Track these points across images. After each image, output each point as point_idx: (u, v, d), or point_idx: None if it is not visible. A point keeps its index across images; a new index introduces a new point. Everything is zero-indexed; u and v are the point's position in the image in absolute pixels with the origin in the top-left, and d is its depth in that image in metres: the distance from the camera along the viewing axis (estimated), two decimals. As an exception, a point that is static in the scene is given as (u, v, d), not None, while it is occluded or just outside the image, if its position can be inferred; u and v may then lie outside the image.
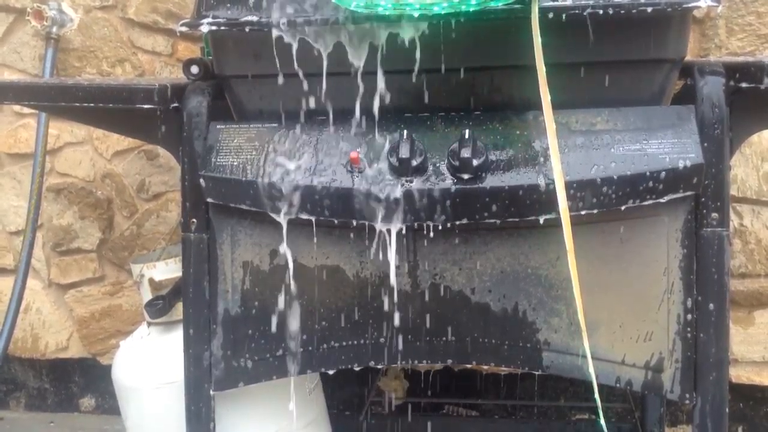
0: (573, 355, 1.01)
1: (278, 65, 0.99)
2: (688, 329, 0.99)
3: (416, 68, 0.96)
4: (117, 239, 1.91)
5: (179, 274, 1.15)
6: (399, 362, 1.06)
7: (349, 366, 1.08)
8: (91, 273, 1.94)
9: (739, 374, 1.71)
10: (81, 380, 2.03)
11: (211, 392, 1.10)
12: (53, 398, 2.05)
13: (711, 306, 0.97)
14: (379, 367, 1.10)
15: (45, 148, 1.77)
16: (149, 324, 1.43)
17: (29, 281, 1.81)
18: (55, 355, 2.00)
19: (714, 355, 0.98)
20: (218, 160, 1.04)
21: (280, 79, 1.00)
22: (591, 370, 0.93)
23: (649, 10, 0.90)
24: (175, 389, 1.20)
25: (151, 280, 1.43)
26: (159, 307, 1.36)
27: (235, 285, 1.09)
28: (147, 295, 1.44)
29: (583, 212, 0.92)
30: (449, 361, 1.07)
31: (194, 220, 1.08)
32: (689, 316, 0.99)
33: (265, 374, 1.09)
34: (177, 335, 1.18)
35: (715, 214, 0.96)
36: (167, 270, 1.43)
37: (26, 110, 1.86)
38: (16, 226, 1.93)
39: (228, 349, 1.09)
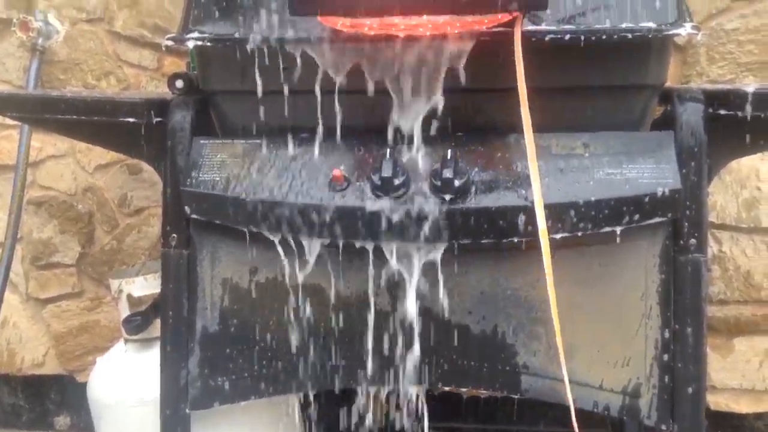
0: (551, 379, 1.01)
1: (263, 82, 0.99)
2: (666, 355, 0.99)
3: (400, 89, 0.96)
4: (97, 254, 1.90)
5: (158, 290, 1.14)
6: (378, 384, 1.05)
7: (328, 387, 1.07)
8: (70, 288, 1.92)
9: (717, 401, 1.71)
10: (56, 397, 2.00)
11: (187, 411, 1.09)
12: (28, 415, 2.01)
13: (688, 332, 0.98)
14: (357, 389, 1.09)
15: (27, 161, 1.76)
16: (126, 341, 1.42)
17: (7, 295, 1.79)
18: (31, 371, 1.97)
19: (691, 382, 0.98)
20: (201, 175, 1.03)
21: (265, 96, 1.00)
22: (569, 394, 0.93)
23: (630, 36, 0.91)
24: (151, 408, 1.18)
25: (129, 296, 1.42)
26: (137, 323, 1.34)
27: (214, 302, 1.08)
28: (125, 311, 1.42)
29: (561, 235, 0.92)
30: (428, 384, 1.06)
31: (175, 235, 1.07)
32: (667, 342, 0.99)
33: (242, 394, 1.08)
34: (154, 353, 1.17)
35: (693, 240, 0.97)
36: (146, 286, 1.42)
37: (9, 122, 1.85)
38: (-6, 238, 1.91)
39: (205, 367, 1.08)
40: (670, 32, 0.93)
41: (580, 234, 0.93)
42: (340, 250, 1.01)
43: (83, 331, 1.94)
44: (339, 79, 0.97)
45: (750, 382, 1.71)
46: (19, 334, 1.96)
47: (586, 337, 1.00)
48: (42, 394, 2.00)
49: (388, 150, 0.96)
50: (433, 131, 0.99)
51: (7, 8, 1.81)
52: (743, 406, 1.72)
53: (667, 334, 0.99)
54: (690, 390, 0.98)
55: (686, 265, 0.97)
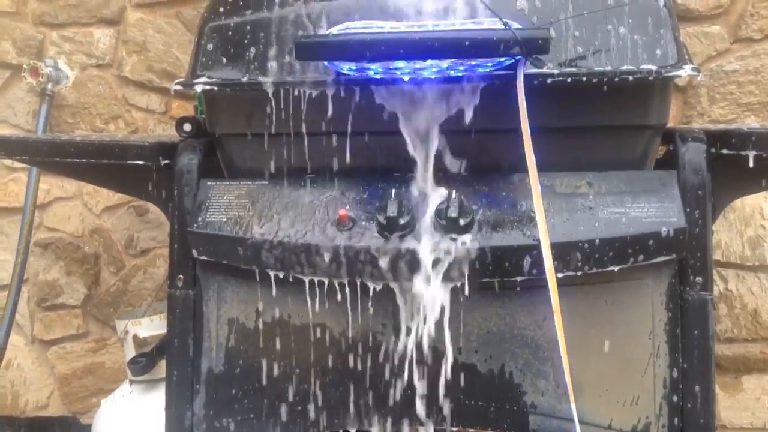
0: (559, 419, 1.00)
1: (269, 125, 1.00)
2: (674, 394, 0.98)
3: (404, 131, 0.98)
4: (103, 295, 1.90)
5: (164, 331, 1.14)
6: (384, 424, 1.05)
7: (334, 428, 1.06)
8: (75, 329, 1.92)
9: (728, 441, 1.70)
10: (60, 439, 1.99)
11: (192, 453, 1.08)
12: (30, 458, 2.00)
13: (696, 370, 0.97)
14: (365, 429, 1.08)
15: (35, 203, 1.78)
16: (132, 382, 1.42)
17: (12, 336, 1.79)
18: (35, 413, 1.96)
19: (700, 421, 0.97)
20: (207, 216, 1.04)
21: (271, 138, 1.01)
22: (578, 434, 0.92)
23: (631, 78, 0.93)
24: (155, 450, 1.17)
25: (135, 337, 1.42)
26: (142, 364, 1.34)
27: (220, 343, 1.08)
28: (131, 352, 1.43)
29: (567, 274, 0.93)
30: (435, 424, 1.05)
31: (181, 276, 1.07)
32: (675, 381, 0.98)
33: (247, 435, 1.08)
34: (159, 394, 1.17)
35: (698, 278, 0.97)
36: (152, 326, 1.43)
37: (17, 165, 1.87)
38: (1, 280, 1.91)
39: (210, 408, 1.08)
40: (671, 74, 0.94)
41: (585, 273, 0.93)
42: (346, 290, 1.01)
43: (88, 373, 1.93)
44: (344, 122, 0.99)
45: (760, 421, 1.69)
46: (24, 375, 1.95)
47: (595, 376, 1.00)
48: (46, 436, 1.99)
49: (393, 190, 0.97)
50: (437, 172, 1.00)
51: (18, 55, 1.84)
52: (754, 446, 1.70)
53: (675, 373, 0.98)
54: (700, 429, 0.97)
55: (693, 303, 0.97)
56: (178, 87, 1.05)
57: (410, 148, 0.98)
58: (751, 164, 0.95)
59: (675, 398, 0.98)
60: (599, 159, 1.00)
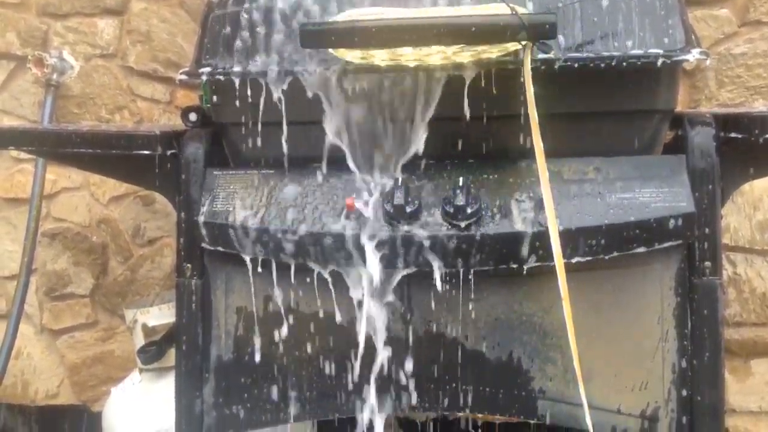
0: (568, 404, 1.01)
1: (274, 114, 1.00)
2: (684, 379, 0.98)
3: (411, 118, 0.97)
4: (111, 284, 1.91)
5: (173, 319, 1.14)
6: (393, 411, 1.05)
7: (342, 414, 1.07)
8: (84, 318, 1.93)
9: (736, 424, 1.69)
10: (71, 428, 2.00)
11: (203, 440, 1.09)
12: (42, 446, 2.01)
13: (706, 355, 0.97)
14: (374, 416, 1.09)
15: (42, 193, 1.78)
16: (141, 370, 1.42)
17: (21, 326, 1.79)
18: (45, 401, 1.97)
19: (710, 405, 0.97)
20: (214, 205, 1.04)
21: (276, 127, 1.01)
22: (587, 419, 0.92)
23: (639, 63, 0.92)
24: (165, 437, 1.18)
25: (144, 326, 1.43)
26: (151, 353, 1.35)
27: (229, 331, 1.08)
28: (140, 340, 1.43)
29: (576, 260, 0.93)
30: (444, 410, 1.06)
31: (189, 265, 1.07)
32: (684, 365, 0.98)
33: (257, 422, 1.08)
34: (169, 382, 1.17)
35: (707, 263, 0.97)
36: (161, 315, 1.43)
37: (24, 155, 1.87)
38: (9, 270, 1.92)
39: (220, 396, 1.08)
40: (679, 58, 0.94)
41: (594, 258, 0.93)
42: (354, 278, 1.01)
43: (97, 362, 1.94)
44: (350, 110, 0.98)
45: (769, 405, 1.70)
46: (33, 365, 1.96)
47: (604, 361, 1.00)
48: (56, 424, 2.00)
49: (400, 178, 0.97)
50: (444, 158, 0.99)
51: (22, 46, 1.84)
52: (762, 429, 1.70)
53: (684, 358, 0.98)
54: (709, 413, 0.97)
55: (702, 288, 0.97)
56: (183, 76, 1.05)
57: (416, 135, 0.98)
58: (759, 148, 0.95)
59: (684, 383, 0.98)
60: (607, 144, 0.99)
